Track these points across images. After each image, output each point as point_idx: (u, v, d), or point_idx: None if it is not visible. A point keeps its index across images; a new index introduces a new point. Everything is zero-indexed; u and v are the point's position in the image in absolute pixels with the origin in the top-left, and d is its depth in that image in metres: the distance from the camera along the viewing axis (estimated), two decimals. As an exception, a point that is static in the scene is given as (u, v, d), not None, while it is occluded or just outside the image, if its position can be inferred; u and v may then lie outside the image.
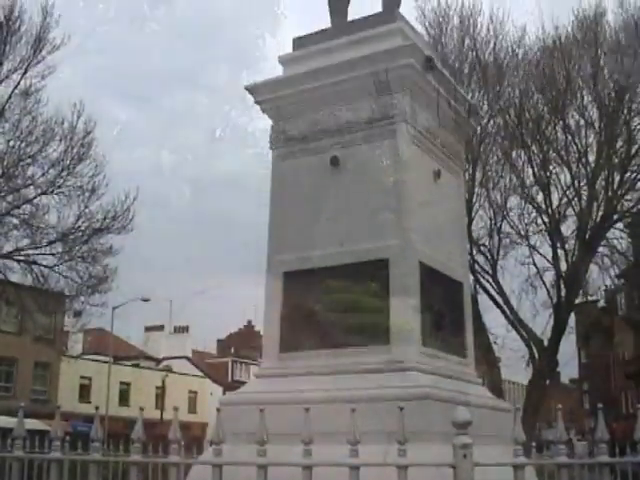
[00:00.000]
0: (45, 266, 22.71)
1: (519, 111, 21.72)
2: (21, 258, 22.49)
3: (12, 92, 21.44)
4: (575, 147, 21.64)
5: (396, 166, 5.96)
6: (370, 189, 6.02)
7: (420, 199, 6.08)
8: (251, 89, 6.67)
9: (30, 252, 22.63)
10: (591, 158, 21.49)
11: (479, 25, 22.22)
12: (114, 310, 35.55)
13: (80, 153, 22.33)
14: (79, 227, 22.53)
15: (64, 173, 22.21)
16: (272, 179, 6.54)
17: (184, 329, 52.42)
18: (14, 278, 23.10)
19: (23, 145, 21.72)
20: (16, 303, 25.46)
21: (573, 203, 21.96)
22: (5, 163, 21.34)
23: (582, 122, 21.68)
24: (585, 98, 21.57)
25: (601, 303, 30.48)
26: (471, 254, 20.48)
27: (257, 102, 6.67)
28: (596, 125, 21.47)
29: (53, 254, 22.75)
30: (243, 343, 52.36)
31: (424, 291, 5.90)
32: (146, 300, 37.65)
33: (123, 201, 22.89)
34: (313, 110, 6.38)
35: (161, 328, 52.26)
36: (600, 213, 21.60)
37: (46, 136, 22.11)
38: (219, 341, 56.01)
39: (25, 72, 21.54)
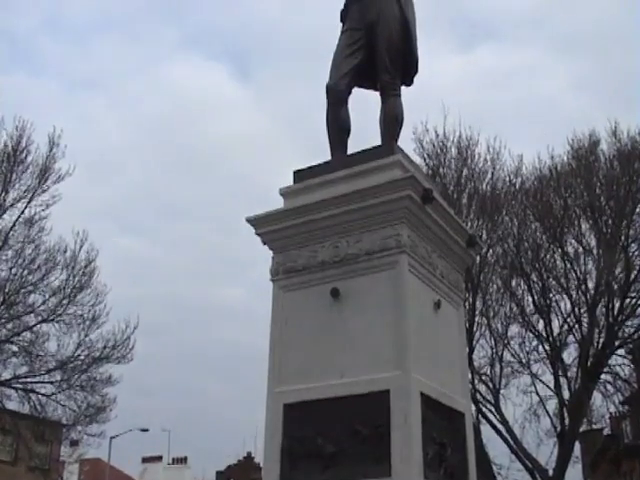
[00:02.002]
0: (43, 394, 22.48)
1: (518, 240, 21.97)
2: (19, 386, 22.29)
3: (16, 220, 21.78)
4: (574, 274, 21.79)
5: (396, 297, 5.95)
6: (371, 320, 6.00)
7: (421, 330, 6.05)
8: (252, 221, 6.74)
9: (28, 380, 22.46)
10: (591, 285, 21.61)
11: (477, 156, 22.75)
12: (112, 440, 34.88)
13: (82, 282, 22.46)
14: (78, 356, 22.43)
15: (65, 301, 22.29)
16: (272, 310, 6.52)
17: (182, 460, 51.27)
18: (11, 406, 22.82)
19: (25, 273, 21.89)
20: (12, 431, 25.04)
21: (574, 330, 21.93)
22: (7, 290, 21.43)
23: (580, 249, 21.91)
24: (583, 226, 21.89)
25: (606, 431, 29.94)
26: (473, 383, 20.25)
27: (258, 234, 6.73)
28: (594, 252, 21.67)
29: (52, 382, 22.58)
30: (243, 475, 51.06)
31: (426, 422, 5.78)
32: (145, 430, 37.02)
33: (123, 330, 22.86)
34: (314, 242, 6.42)
35: (159, 459, 51.11)
36: (601, 340, 21.54)
37: (48, 264, 22.32)
38: (218, 473, 54.64)
39: (30, 201, 21.95)
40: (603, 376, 21.51)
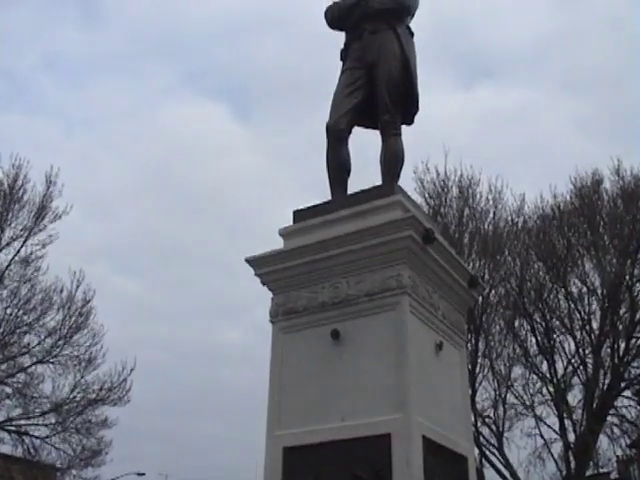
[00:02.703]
0: (37, 437, 22.31)
1: (520, 280, 21.95)
2: (12, 428, 22.13)
3: (12, 259, 21.79)
4: (578, 315, 21.75)
5: (397, 339, 5.94)
6: (371, 362, 5.98)
7: (422, 372, 6.03)
8: (251, 262, 6.75)
9: (22, 422, 22.30)
10: (595, 325, 21.56)
11: (478, 195, 22.82)
12: (107, 484, 34.49)
13: (78, 322, 22.42)
14: (74, 398, 22.29)
15: (61, 342, 22.22)
16: (272, 352, 6.51)
17: (179, 505, 50.61)
18: (4, 449, 22.63)
19: (20, 313, 21.85)
20: (4, 476, 24.83)
21: (579, 372, 21.82)
22: (1, 331, 21.38)
23: (584, 289, 21.87)
24: (586, 265, 21.88)
25: (614, 475, 29.68)
26: (476, 426, 20.14)
27: (257, 275, 6.74)
28: (599, 292, 21.64)
29: (46, 425, 22.42)
30: (242, 522, 50.45)
31: (427, 466, 5.74)
32: (141, 474, 36.63)
33: (120, 372, 22.75)
34: (314, 283, 6.43)
35: (156, 505, 50.44)
36: (607, 381, 21.42)
37: (44, 304, 22.27)
38: (217, 520, 53.96)
39: (26, 240, 21.97)
40: (609, 418, 21.38)
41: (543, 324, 21.90)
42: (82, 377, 22.05)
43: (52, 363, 21.76)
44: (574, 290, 21.84)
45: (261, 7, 46.07)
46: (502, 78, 45.90)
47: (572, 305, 21.67)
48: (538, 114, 39.72)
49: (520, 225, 22.81)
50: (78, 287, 22.38)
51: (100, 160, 45.75)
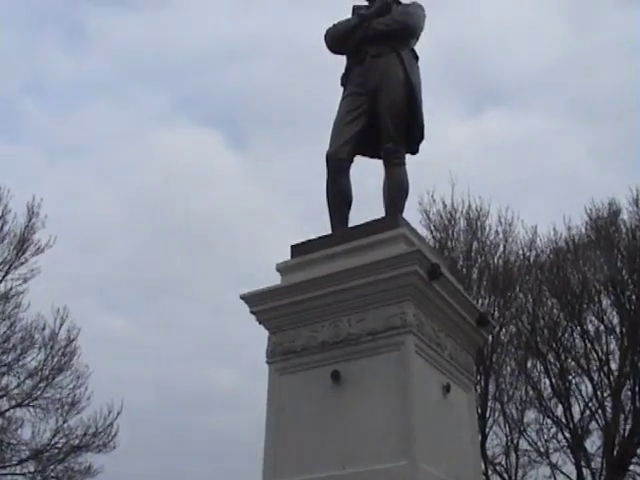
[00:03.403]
0: (14, 488, 22.10)
1: (533, 318, 21.92)
2: (-12, 479, 21.95)
3: (-9, 295, 21.72)
4: (595, 355, 21.67)
5: (402, 381, 5.96)
6: (374, 406, 6.00)
7: (428, 416, 6.04)
8: (246, 299, 6.79)
9: (-2, 472, 22.11)
10: (614, 366, 21.47)
11: (487, 228, 22.87)
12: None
13: (61, 362, 22.31)
14: (55, 444, 22.12)
15: (42, 384, 22.09)
16: (268, 395, 6.53)
17: None
18: (-22, 502, 22.45)
19: (-1, 352, 21.74)
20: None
21: (597, 416, 21.72)
22: (-23, 372, 21.28)
23: (602, 328, 21.82)
24: (604, 302, 21.83)
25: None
26: (486, 474, 20.03)
27: (253, 312, 6.77)
28: (617, 330, 21.59)
29: (24, 474, 22.22)
30: None
31: (435, 518, 5.76)
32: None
33: (106, 415, 22.62)
34: (313, 321, 6.46)
35: None
36: (628, 427, 21.30)
37: (24, 343, 22.19)
38: None
39: (6, 274, 21.93)
40: (632, 467, 21.26)
41: (558, 365, 21.85)
42: (64, 422, 21.93)
43: (32, 407, 21.66)
44: (591, 328, 21.81)
45: (256, 31, 46.35)
46: (513, 104, 46.02)
47: (589, 344, 21.63)
48: (551, 142, 39.81)
49: (532, 259, 22.84)
50: (62, 325, 22.35)
51: (86, 190, 45.72)
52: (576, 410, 21.54)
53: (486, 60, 44.22)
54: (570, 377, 21.78)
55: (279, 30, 45.19)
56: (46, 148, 50.31)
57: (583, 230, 22.82)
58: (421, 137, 7.76)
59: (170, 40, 48.52)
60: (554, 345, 21.67)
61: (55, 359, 21.87)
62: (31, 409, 21.68)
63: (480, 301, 20.48)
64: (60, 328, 22.24)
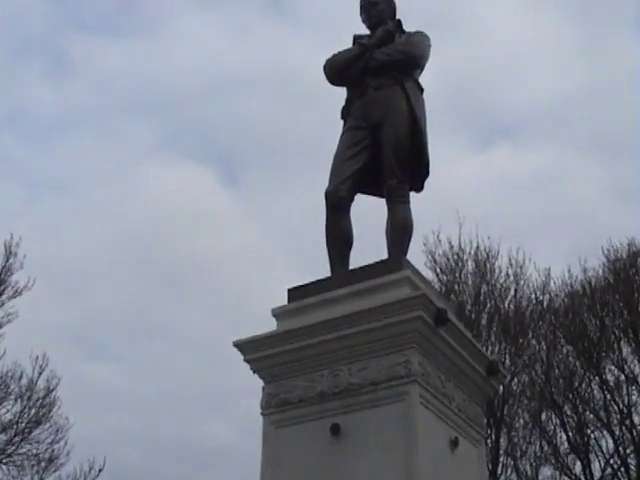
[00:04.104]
0: None
1: (547, 366, 21.89)
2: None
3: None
4: (616, 407, 21.60)
5: (406, 435, 5.95)
6: (376, 461, 5.99)
7: (435, 473, 6.04)
8: (240, 346, 6.80)
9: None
10: (637, 419, 21.38)
11: (497, 270, 22.93)
12: None
13: (39, 415, 22.18)
14: (31, 505, 21.92)
15: (17, 438, 21.94)
16: (263, 449, 6.52)
17: None
18: None
19: (-29, 404, 21.68)
20: None
21: (619, 474, 21.59)
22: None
23: (622, 377, 21.77)
24: (624, 350, 21.80)
25: None
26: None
27: (247, 361, 6.78)
28: (639, 380, 21.53)
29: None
30: None
31: None
32: None
33: (87, 472, 22.46)
34: (311, 370, 6.47)
35: None
36: (653, 486, 21.15)
37: (-1, 394, 22.05)
38: None
39: (-19, 318, 21.85)
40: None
41: (575, 418, 21.78)
42: (41, 479, 21.77)
43: (5, 464, 21.50)
44: (610, 378, 21.77)
45: (251, 61, 46.64)
46: (523, 138, 46.18)
47: (608, 396, 21.57)
48: (564, 178, 40.02)
49: (546, 304, 22.86)
50: (40, 374, 22.26)
51: (69, 229, 45.80)
52: (596, 467, 21.44)
53: (495, 92, 44.61)
54: (589, 431, 21.71)
55: (275, 61, 45.50)
56: (26, 183, 50.51)
57: (600, 272, 22.88)
58: (426, 174, 7.81)
59: (159, 70, 48.87)
60: (571, 396, 21.62)
61: (32, 411, 21.76)
62: (4, 466, 21.55)
63: (490, 348, 20.48)
64: (38, 377, 22.18)
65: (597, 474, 21.38)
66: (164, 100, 49.47)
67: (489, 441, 19.75)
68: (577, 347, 21.73)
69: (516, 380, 21.94)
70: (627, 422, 21.14)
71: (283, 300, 7.05)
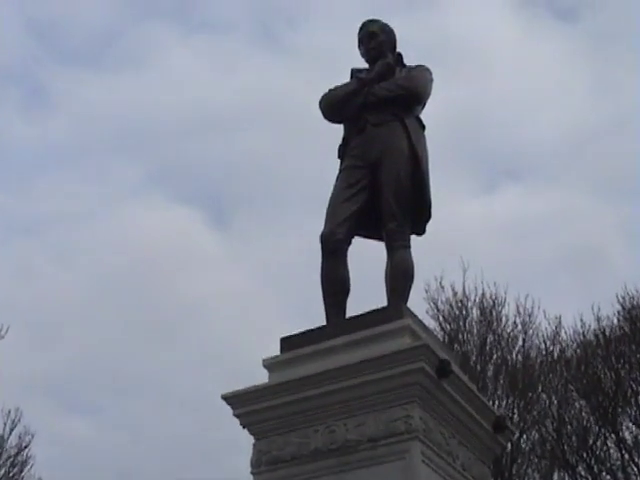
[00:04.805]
0: None
1: (559, 422, 21.86)
2: None
3: None
4: (635, 467, 21.52)
5: (407, 495, 5.96)
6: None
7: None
8: (229, 399, 6.80)
9: None
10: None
11: (504, 318, 22.95)
12: None
13: (9, 475, 22.08)
14: None
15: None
16: (253, 513, 6.52)
17: None
18: None
19: None
20: None
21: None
22: None
23: (640, 434, 21.69)
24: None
25: None
26: None
27: (236, 415, 6.78)
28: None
29: None
30: None
31: None
32: None
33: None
34: (305, 425, 6.47)
35: None
36: None
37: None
38: None
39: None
40: None
41: (590, 478, 21.69)
42: None
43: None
44: (627, 436, 21.72)
45: (241, 97, 46.88)
46: (530, 179, 46.44)
47: (626, 455, 21.50)
48: (574, 220, 40.15)
49: (556, 355, 22.85)
50: (12, 430, 22.19)
51: (45, 273, 45.79)
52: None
53: (501, 129, 44.77)
54: (605, 494, 21.61)
55: (266, 96, 45.73)
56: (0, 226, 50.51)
57: (615, 321, 22.89)
58: (428, 216, 7.84)
59: (144, 105, 49.12)
60: (585, 455, 21.54)
61: (2, 471, 21.64)
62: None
63: (497, 403, 20.44)
64: (10, 434, 22.11)
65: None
66: (148, 137, 49.69)
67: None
68: (591, 402, 21.68)
69: (525, 437, 21.88)
70: (646, 483, 21.08)
71: (275, 350, 7.06)
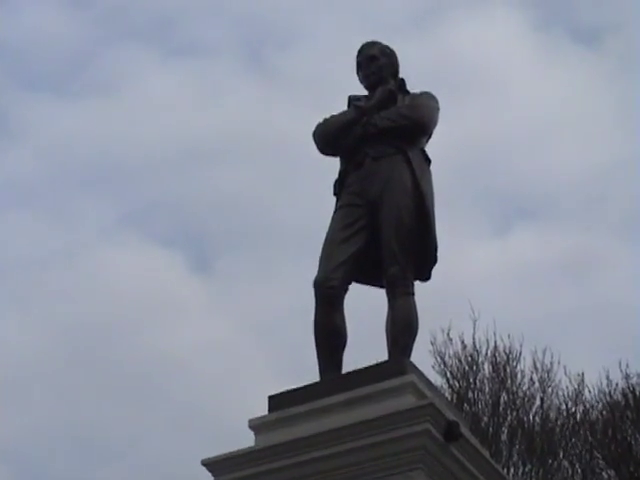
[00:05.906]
0: None
1: (583, 494, 21.70)
2: None
3: None
4: None
5: None
6: None
7: None
8: (210, 465, 6.78)
9: None
10: None
11: (519, 375, 22.90)
12: None
13: None
14: None
15: None
16: None
17: None
18: None
19: None
20: None
21: None
22: None
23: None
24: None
25: None
26: None
27: (218, 483, 6.77)
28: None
29: None
30: None
31: None
32: None
33: None
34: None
35: None
36: None
37: None
38: None
39: None
40: None
41: None
42: None
43: None
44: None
45: (225, 128, 46.83)
46: (546, 219, 46.28)
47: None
48: (596, 265, 40.08)
49: (579, 417, 22.77)
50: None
51: (3, 324, 45.61)
52: None
53: (514, 166, 44.78)
54: None
55: (253, 127, 45.73)
56: (-50, 271, 50.29)
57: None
58: (433, 260, 7.85)
59: (117, 137, 48.96)
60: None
61: None
62: None
63: (512, 470, 20.37)
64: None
65: None
66: (123, 172, 49.48)
67: None
68: (620, 471, 21.58)
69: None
70: None
71: (263, 409, 7.07)
